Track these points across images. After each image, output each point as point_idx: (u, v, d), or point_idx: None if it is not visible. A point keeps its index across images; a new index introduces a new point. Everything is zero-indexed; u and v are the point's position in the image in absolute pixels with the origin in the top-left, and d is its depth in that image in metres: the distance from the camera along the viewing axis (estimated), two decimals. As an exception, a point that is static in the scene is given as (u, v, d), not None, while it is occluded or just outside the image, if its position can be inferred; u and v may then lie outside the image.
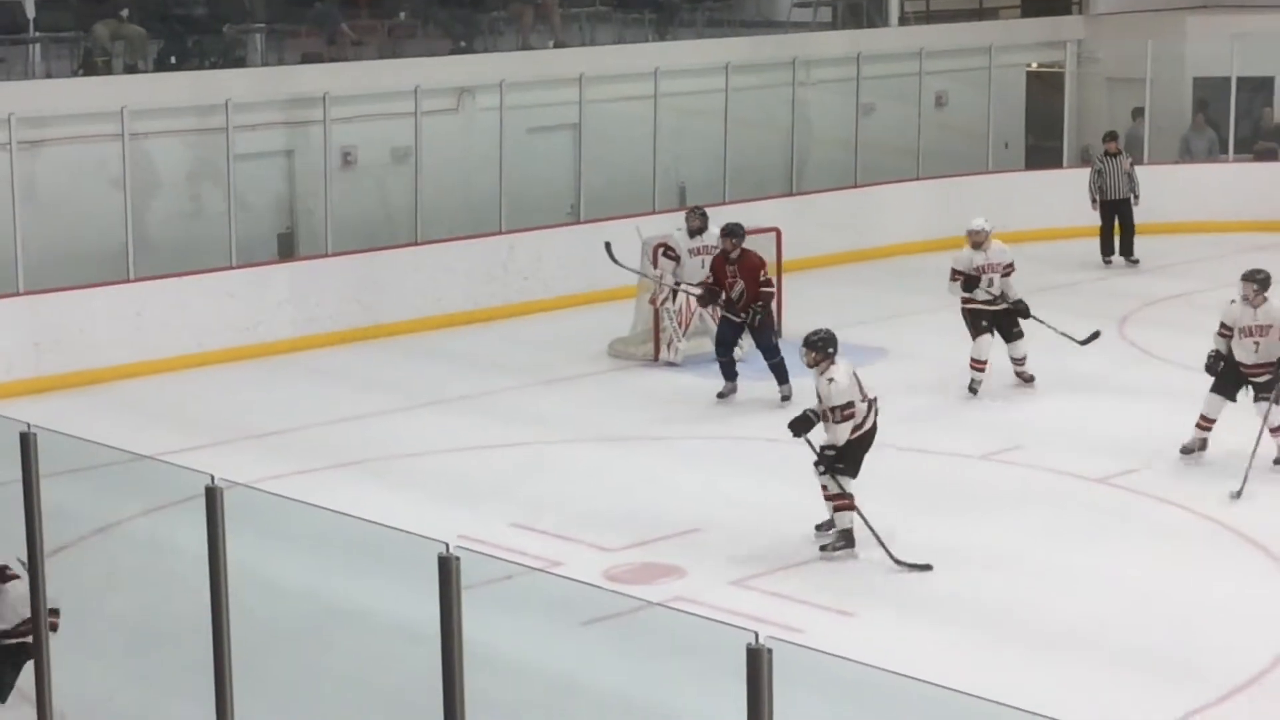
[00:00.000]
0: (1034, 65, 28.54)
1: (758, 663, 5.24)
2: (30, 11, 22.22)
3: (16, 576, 12.74)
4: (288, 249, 21.47)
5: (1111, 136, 24.97)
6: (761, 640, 5.26)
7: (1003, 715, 7.76)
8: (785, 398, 17.08)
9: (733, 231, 17.67)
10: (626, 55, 24.43)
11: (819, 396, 13.54)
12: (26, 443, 7.51)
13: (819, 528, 13.61)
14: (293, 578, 10.93)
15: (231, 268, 20.17)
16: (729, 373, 17.69)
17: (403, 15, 24.57)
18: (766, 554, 13.14)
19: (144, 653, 10.48)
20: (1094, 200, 24.31)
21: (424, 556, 5.98)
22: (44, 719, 8.07)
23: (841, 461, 13.26)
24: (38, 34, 21.98)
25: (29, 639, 11.44)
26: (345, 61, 22.77)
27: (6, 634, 13.18)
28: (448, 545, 6.03)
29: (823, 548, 13.15)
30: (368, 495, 14.03)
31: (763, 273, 17.68)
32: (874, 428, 13.53)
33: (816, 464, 13.42)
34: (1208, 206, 25.77)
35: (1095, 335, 18.02)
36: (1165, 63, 27.38)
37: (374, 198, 21.91)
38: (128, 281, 19.37)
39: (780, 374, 17.36)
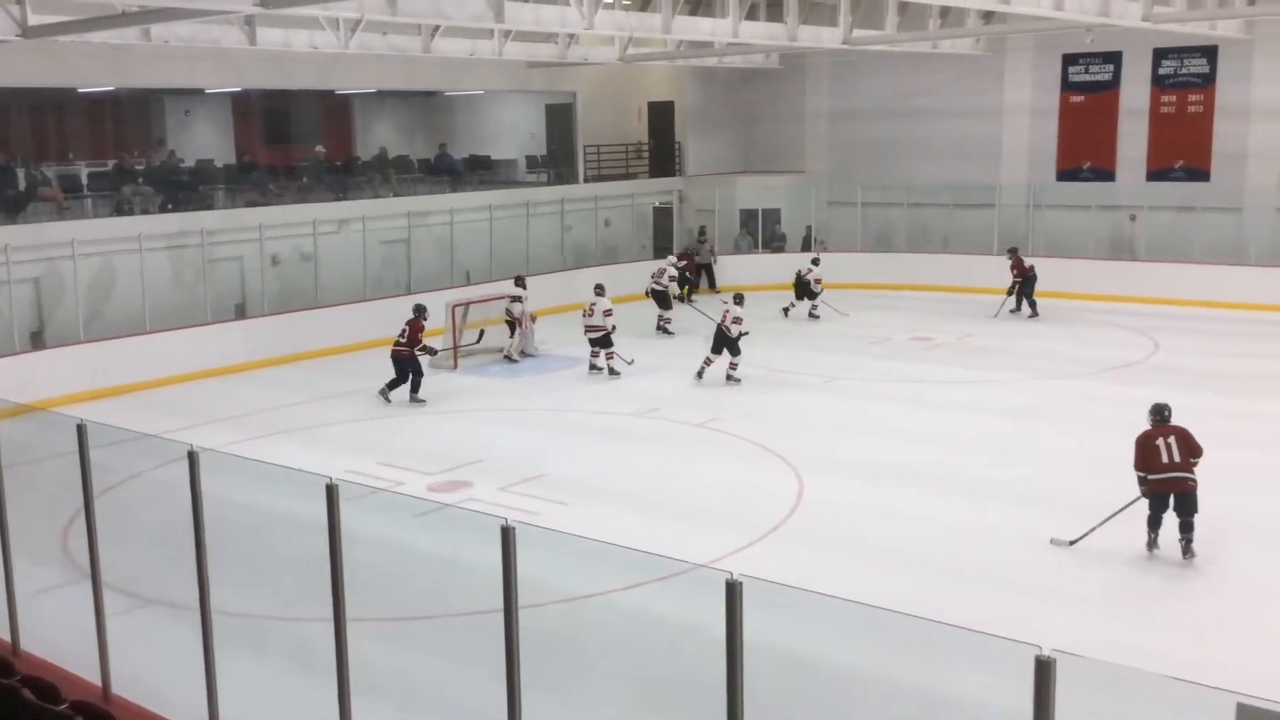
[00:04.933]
0: (657, 202, 28.81)
1: (508, 537, 5.19)
2: (84, 179, 21.03)
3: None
4: (241, 312, 20.52)
5: (701, 231, 26.36)
6: (510, 522, 5.19)
7: (646, 559, 7.86)
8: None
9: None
10: (435, 201, 23.98)
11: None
12: (81, 432, 7.04)
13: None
14: (247, 497, 10.48)
15: (208, 323, 19.24)
16: None
17: (305, 179, 23.76)
18: (519, 472, 13.02)
19: (159, 537, 9.90)
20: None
21: (319, 485, 5.81)
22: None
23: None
24: (89, 193, 20.78)
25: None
26: (273, 206, 21.86)
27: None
28: (331, 477, 5.85)
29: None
30: (293, 451, 13.56)
31: None
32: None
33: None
34: (746, 276, 26.26)
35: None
36: (725, 201, 28.03)
37: (290, 283, 21.09)
38: (145, 333, 18.36)
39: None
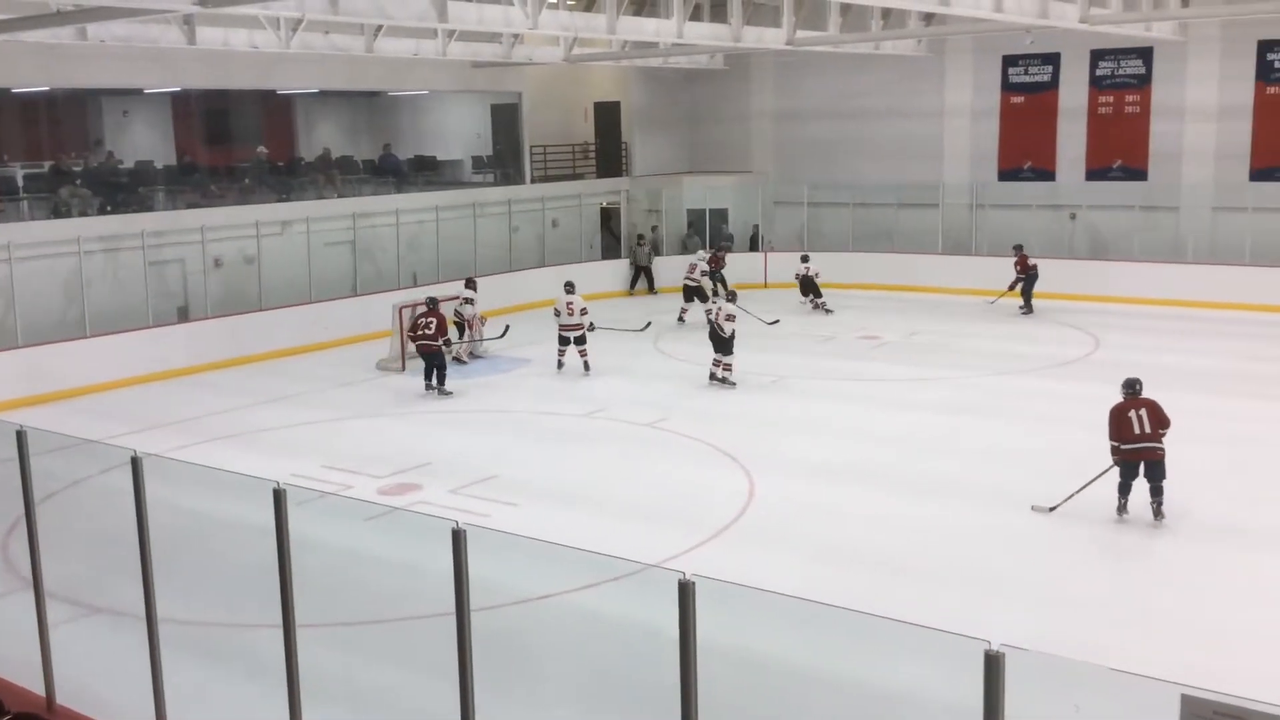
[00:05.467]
0: (604, 203, 28.82)
1: (459, 539, 5.18)
2: (20, 181, 20.62)
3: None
4: (184, 315, 20.21)
5: (640, 236, 26.67)
6: (461, 525, 5.18)
7: (598, 560, 7.85)
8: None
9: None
10: (380, 202, 23.80)
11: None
12: (21, 438, 6.91)
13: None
14: (192, 503, 10.32)
15: (150, 327, 18.94)
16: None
17: (247, 180, 23.47)
18: (469, 475, 12.95)
19: (103, 545, 9.78)
20: (631, 264, 26.45)
21: (266, 489, 5.75)
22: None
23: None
24: (25, 195, 20.37)
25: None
26: (215, 207, 21.57)
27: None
28: (278, 482, 5.79)
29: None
30: (238, 456, 13.40)
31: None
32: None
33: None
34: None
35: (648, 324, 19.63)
36: (672, 201, 28.11)
37: (234, 285, 20.80)
38: (85, 337, 18.05)
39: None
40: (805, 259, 23.53)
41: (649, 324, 19.05)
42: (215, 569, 9.94)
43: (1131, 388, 11.11)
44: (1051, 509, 11.17)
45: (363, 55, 19.82)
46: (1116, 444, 10.92)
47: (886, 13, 21.10)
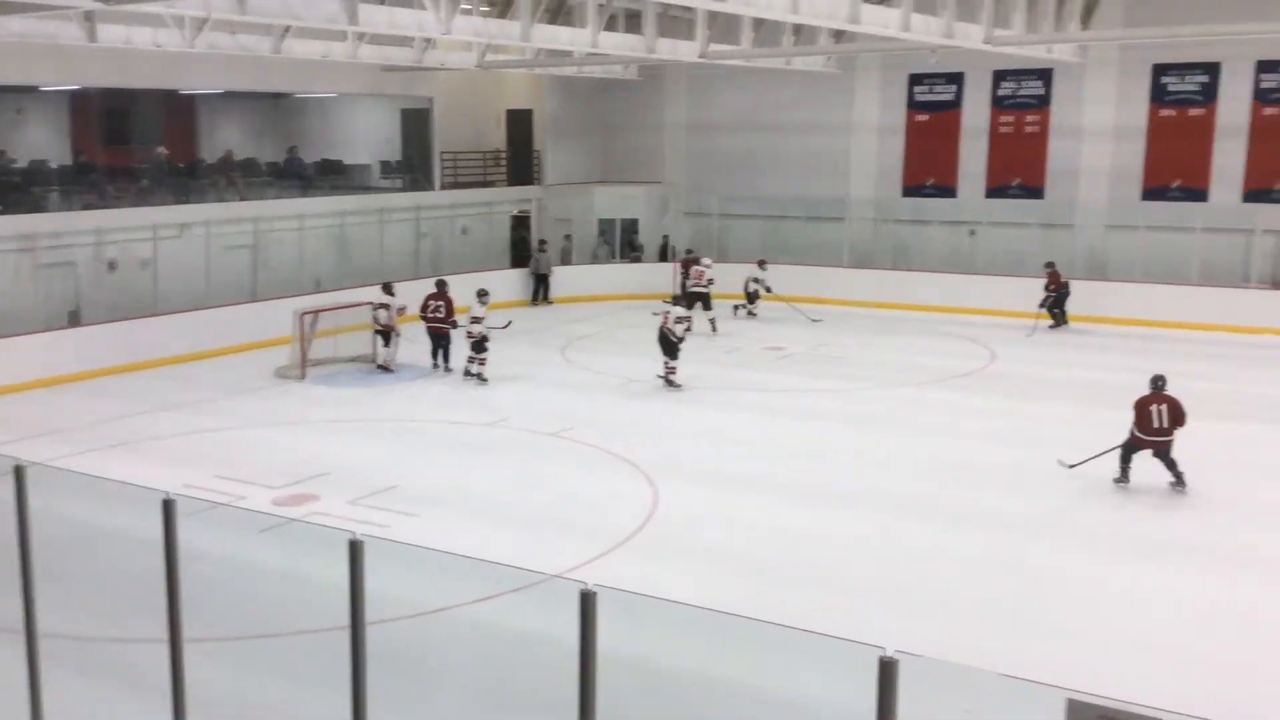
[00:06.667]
0: (515, 211, 28.67)
1: (357, 551, 5.07)
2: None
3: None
4: (75, 320, 19.56)
5: (541, 244, 26.64)
6: (358, 536, 5.07)
7: (500, 571, 7.77)
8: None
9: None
10: (283, 206, 23.35)
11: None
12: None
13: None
14: (78, 513, 9.98)
15: (39, 331, 18.29)
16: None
17: (145, 181, 22.83)
18: (368, 485, 12.72)
19: None
20: (531, 273, 26.24)
21: (155, 500, 5.57)
22: None
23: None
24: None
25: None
26: (111, 209, 20.95)
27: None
28: (168, 492, 5.62)
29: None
30: (128, 465, 12.99)
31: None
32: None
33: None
34: (604, 286, 26.55)
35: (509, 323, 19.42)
36: (582, 210, 28.09)
37: (129, 289, 20.20)
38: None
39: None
40: (762, 264, 24.22)
41: (509, 322, 19.14)
42: (100, 582, 9.61)
43: (1155, 384, 12.32)
44: (1072, 466, 12.62)
45: (270, 56, 19.42)
46: (1135, 431, 12.25)
47: (798, 29, 21.36)
